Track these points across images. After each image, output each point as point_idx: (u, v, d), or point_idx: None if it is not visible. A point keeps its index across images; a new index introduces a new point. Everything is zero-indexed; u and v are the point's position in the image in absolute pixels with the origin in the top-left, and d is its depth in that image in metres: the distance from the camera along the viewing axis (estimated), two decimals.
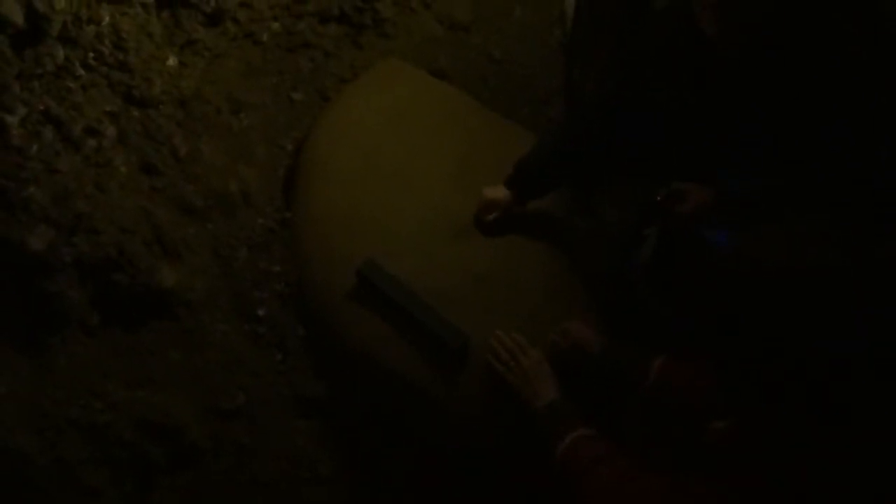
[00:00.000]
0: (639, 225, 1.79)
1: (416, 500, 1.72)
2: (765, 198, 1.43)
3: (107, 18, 1.51)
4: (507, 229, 1.77)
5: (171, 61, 1.70)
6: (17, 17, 1.34)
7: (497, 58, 2.24)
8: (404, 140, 1.92)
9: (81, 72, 1.51)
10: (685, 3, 1.30)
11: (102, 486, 1.58)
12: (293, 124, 1.99)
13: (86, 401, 1.57)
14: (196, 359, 1.69)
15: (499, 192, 1.73)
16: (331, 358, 1.79)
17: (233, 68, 1.88)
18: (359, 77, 2.08)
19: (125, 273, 1.57)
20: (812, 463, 0.97)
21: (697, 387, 1.30)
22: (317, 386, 1.77)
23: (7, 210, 1.41)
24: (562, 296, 1.73)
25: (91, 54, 1.51)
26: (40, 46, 1.41)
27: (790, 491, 0.97)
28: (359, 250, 1.72)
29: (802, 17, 1.19)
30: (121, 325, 1.65)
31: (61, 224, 1.47)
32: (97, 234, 1.52)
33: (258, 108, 1.92)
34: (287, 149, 1.97)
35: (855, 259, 1.05)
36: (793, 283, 1.09)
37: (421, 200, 1.82)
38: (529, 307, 1.68)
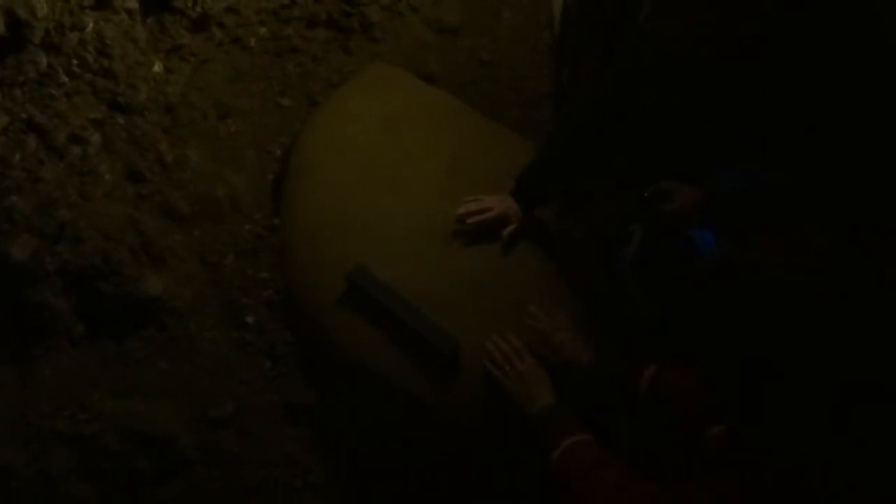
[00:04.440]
0: (624, 222, 1.80)
1: None
2: (756, 200, 1.43)
3: (90, 25, 1.50)
4: (497, 235, 1.76)
5: (157, 67, 1.69)
6: None
7: (486, 61, 2.24)
8: (394, 145, 1.90)
9: (65, 79, 1.49)
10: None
11: (88, 499, 1.56)
12: (281, 130, 1.98)
13: (71, 412, 1.55)
14: (184, 367, 1.67)
15: (507, 202, 1.70)
16: (320, 365, 1.77)
17: (219, 74, 1.87)
18: (347, 82, 2.07)
19: (111, 281, 1.55)
20: (805, 466, 0.97)
21: (691, 395, 1.29)
22: (306, 393, 1.75)
23: None
24: (553, 301, 1.72)
25: (75, 61, 1.50)
26: (22, 54, 1.39)
27: (784, 495, 0.97)
28: (348, 256, 1.71)
29: (797, 24, 1.19)
30: (107, 335, 1.64)
31: (45, 233, 1.45)
32: (82, 243, 1.51)
33: (246, 114, 1.91)
34: (275, 154, 1.96)
35: (843, 265, 1.05)
36: (784, 290, 1.09)
37: (411, 205, 1.81)
38: (521, 313, 1.67)
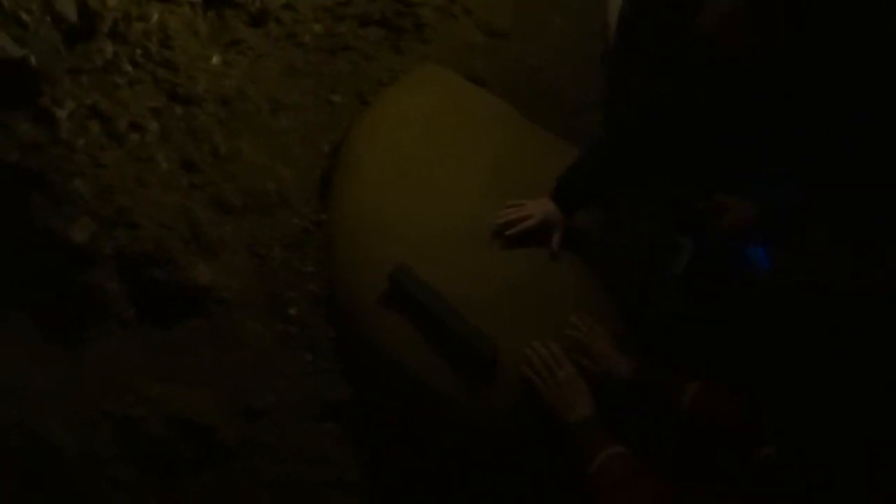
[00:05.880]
0: (673, 234, 1.78)
1: None
2: (805, 216, 1.41)
3: (155, 16, 1.53)
4: (538, 240, 1.75)
5: (216, 60, 1.71)
6: (71, 13, 1.35)
7: (534, 66, 2.23)
8: (440, 145, 1.90)
9: (128, 68, 1.52)
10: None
11: (129, 481, 1.59)
12: (331, 126, 1.99)
13: (119, 394, 1.58)
14: (227, 357, 1.69)
15: (548, 207, 1.69)
16: (359, 362, 1.78)
17: (274, 69, 1.88)
18: (397, 81, 2.08)
19: (163, 269, 1.58)
20: (857, 489, 0.96)
21: (733, 413, 1.28)
22: (344, 389, 1.76)
23: (53, 201, 1.42)
24: (592, 309, 1.71)
25: (139, 51, 1.52)
26: (91, 42, 1.42)
27: None
28: (391, 255, 1.71)
29: (833, 29, 1.18)
30: (156, 321, 1.66)
31: (103, 217, 1.48)
32: (137, 229, 1.53)
33: (297, 109, 1.93)
34: (324, 150, 1.97)
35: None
36: (846, 306, 1.07)
37: (454, 207, 1.80)
38: (559, 320, 1.66)
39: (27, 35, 1.25)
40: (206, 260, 1.64)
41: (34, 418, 1.48)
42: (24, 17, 1.22)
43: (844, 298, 1.28)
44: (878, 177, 1.28)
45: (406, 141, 1.90)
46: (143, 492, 1.62)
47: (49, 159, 1.38)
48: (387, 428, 1.75)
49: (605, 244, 1.85)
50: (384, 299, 1.68)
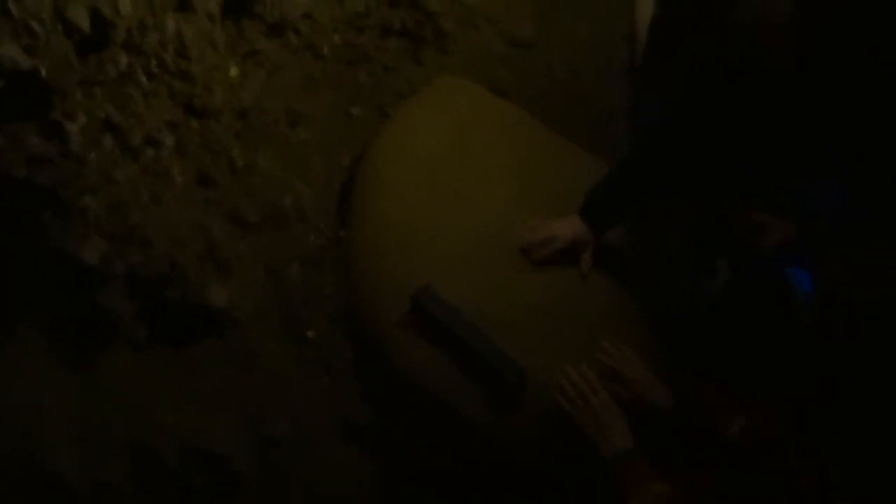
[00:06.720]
0: (708, 254, 1.73)
1: None
2: (848, 233, 1.35)
3: (171, 26, 1.48)
4: (566, 257, 1.68)
5: (233, 71, 1.67)
6: (83, 22, 1.30)
7: (559, 76, 2.17)
8: (462, 158, 1.85)
9: (143, 80, 1.47)
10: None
11: None
12: (350, 139, 1.94)
13: (131, 421, 1.53)
14: (243, 379, 1.64)
15: (574, 225, 1.61)
16: (379, 384, 1.72)
17: (292, 80, 1.84)
18: (417, 93, 2.03)
19: (177, 288, 1.53)
20: None
21: (785, 444, 1.20)
22: (364, 412, 1.71)
23: (63, 220, 1.38)
24: (622, 329, 1.65)
25: (154, 62, 1.48)
26: (104, 53, 1.37)
27: None
28: (412, 272, 1.66)
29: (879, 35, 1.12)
30: (168, 342, 1.61)
31: (115, 235, 1.44)
32: (150, 247, 1.49)
33: (316, 122, 1.88)
34: (343, 164, 1.92)
35: None
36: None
37: (478, 222, 1.75)
38: (587, 340, 1.60)
39: (37, 45, 1.20)
40: (221, 278, 1.60)
41: (39, 445, 1.43)
42: (35, 26, 1.17)
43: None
44: None
45: (427, 154, 1.85)
46: None
47: (59, 175, 1.33)
48: (408, 452, 1.70)
49: (637, 262, 1.79)
50: (406, 320, 1.63)
